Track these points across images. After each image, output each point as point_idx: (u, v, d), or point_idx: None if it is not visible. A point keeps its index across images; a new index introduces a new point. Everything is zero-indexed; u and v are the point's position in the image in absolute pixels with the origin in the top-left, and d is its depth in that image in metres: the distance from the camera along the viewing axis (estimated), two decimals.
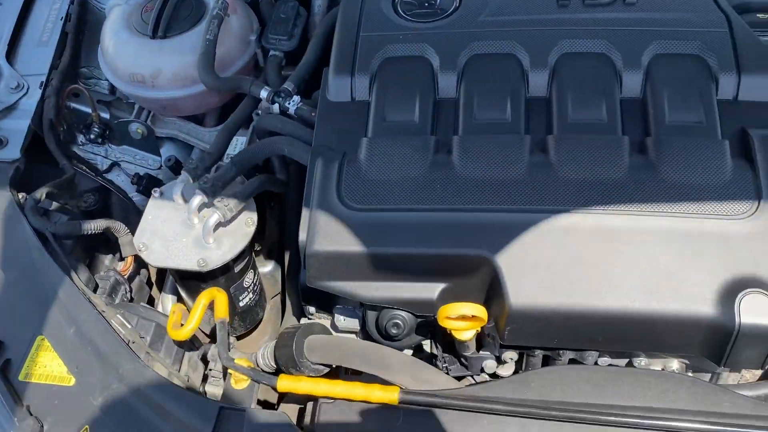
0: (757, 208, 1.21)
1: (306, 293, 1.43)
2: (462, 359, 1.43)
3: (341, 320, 1.47)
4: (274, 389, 1.13)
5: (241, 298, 1.62)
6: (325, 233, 1.29)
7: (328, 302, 1.47)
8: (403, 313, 1.34)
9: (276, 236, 1.83)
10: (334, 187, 1.33)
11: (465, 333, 1.28)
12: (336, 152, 1.38)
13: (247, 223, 1.48)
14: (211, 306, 1.31)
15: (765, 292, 1.15)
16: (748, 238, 1.19)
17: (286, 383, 1.12)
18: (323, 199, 1.32)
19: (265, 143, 1.54)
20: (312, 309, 1.50)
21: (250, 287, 1.63)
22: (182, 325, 1.22)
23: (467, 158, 1.32)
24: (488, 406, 1.08)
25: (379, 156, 1.35)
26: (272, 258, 1.84)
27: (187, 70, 1.66)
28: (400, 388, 1.09)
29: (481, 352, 1.40)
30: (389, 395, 1.08)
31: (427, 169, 1.32)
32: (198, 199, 1.45)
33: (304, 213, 1.33)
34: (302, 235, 1.31)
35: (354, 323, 1.47)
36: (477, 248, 1.25)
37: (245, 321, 1.69)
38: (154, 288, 1.80)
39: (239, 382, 1.16)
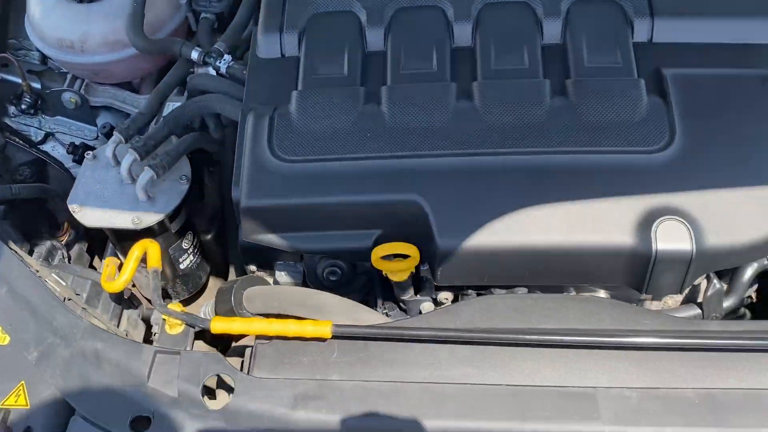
0: (671, 141, 1.27)
1: (246, 252, 1.45)
2: (401, 304, 1.47)
3: (283, 276, 1.49)
4: (209, 331, 1.15)
5: (181, 260, 1.62)
6: (258, 187, 1.31)
7: (269, 260, 1.48)
8: (341, 261, 1.37)
9: (217, 201, 1.83)
10: (266, 140, 1.34)
11: (399, 274, 1.32)
12: (267, 107, 1.39)
13: (180, 181, 1.49)
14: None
15: (679, 219, 1.21)
16: (663, 170, 1.25)
17: (219, 324, 1.14)
18: (255, 153, 1.34)
19: (195, 101, 1.54)
20: (253, 268, 1.51)
21: (190, 249, 1.64)
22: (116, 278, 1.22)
23: (395, 107, 1.35)
24: (418, 334, 1.12)
25: (310, 108, 1.37)
26: (215, 224, 1.84)
27: (117, 34, 1.64)
28: (333, 322, 1.12)
29: (418, 295, 1.44)
30: (322, 329, 1.11)
31: (356, 119, 1.34)
32: (130, 158, 1.45)
33: (236, 166, 1.34)
34: (236, 191, 1.32)
35: (296, 279, 1.49)
36: (407, 193, 1.28)
37: (188, 285, 1.69)
38: (96, 259, 1.79)
39: (173, 327, 1.17)
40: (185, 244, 1.61)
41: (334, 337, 1.13)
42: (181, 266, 1.63)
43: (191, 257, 1.65)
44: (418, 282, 1.42)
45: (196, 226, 1.69)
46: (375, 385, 1.08)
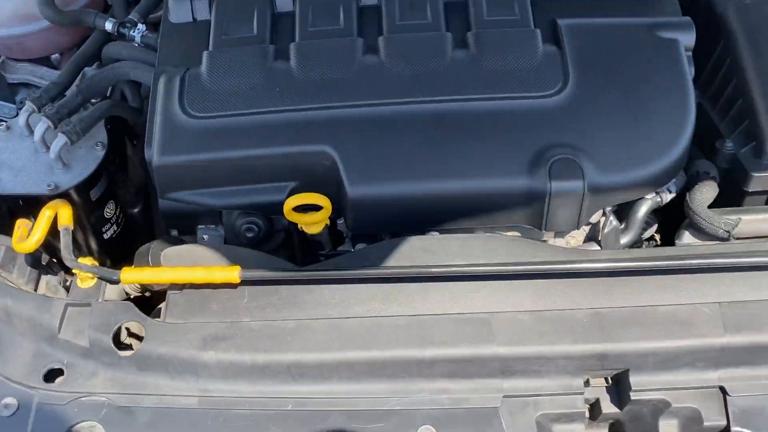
0: (565, 86, 1.34)
1: (167, 217, 1.46)
2: (320, 259, 1.50)
3: (204, 239, 1.51)
4: (118, 282, 1.17)
5: (104, 230, 1.63)
6: (170, 144, 1.33)
7: (190, 224, 1.50)
8: (257, 217, 1.40)
9: (142, 174, 1.84)
10: (177, 99, 1.37)
11: (313, 226, 1.36)
12: (179, 69, 1.42)
13: (96, 147, 1.50)
14: None
15: (571, 157, 1.27)
16: (557, 113, 1.31)
17: (129, 275, 1.16)
18: (166, 112, 1.36)
19: (109, 68, 1.55)
20: (176, 233, 1.53)
21: (113, 219, 1.64)
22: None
23: (304, 62, 1.38)
24: (326, 275, 1.16)
25: (220, 67, 1.40)
26: (140, 197, 1.85)
27: (27, 6, 1.64)
28: (241, 268, 1.15)
29: (338, 249, 1.48)
30: (230, 275, 1.14)
31: (266, 76, 1.38)
32: (44, 126, 1.45)
33: (149, 127, 1.36)
34: (149, 151, 1.34)
35: (218, 241, 1.51)
36: (317, 144, 1.32)
37: (113, 256, 1.70)
38: None
39: (85, 281, 1.18)
40: (107, 213, 1.62)
41: (243, 283, 1.16)
42: (105, 236, 1.64)
43: (115, 227, 1.66)
44: (337, 239, 1.47)
45: (120, 197, 1.69)
46: (283, 324, 1.12)
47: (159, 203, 1.44)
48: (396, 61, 1.38)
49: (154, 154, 1.33)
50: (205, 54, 1.41)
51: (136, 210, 1.84)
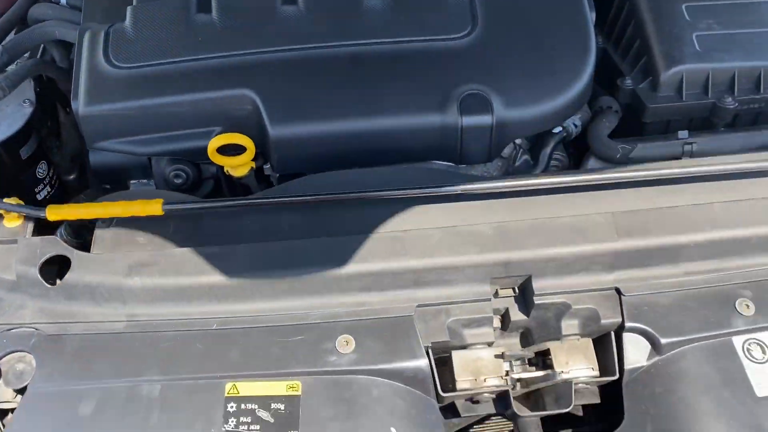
0: (473, 28, 1.42)
1: (99, 174, 1.50)
2: None
3: None
4: (46, 220, 1.20)
5: (37, 190, 1.65)
6: (94, 94, 1.37)
7: (121, 180, 1.53)
8: (185, 164, 1.45)
9: (77, 143, 1.86)
10: (101, 51, 1.41)
11: (239, 169, 1.41)
12: (103, 26, 1.46)
13: (23, 104, 1.52)
14: None
15: (479, 92, 1.35)
16: (466, 52, 1.40)
17: (53, 211, 1.19)
18: (91, 64, 1.40)
19: (35, 28, 1.58)
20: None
21: (46, 180, 1.66)
22: None
23: (225, 13, 1.44)
24: (249, 203, 1.21)
25: (144, 20, 1.44)
26: (76, 164, 1.87)
27: None
28: (164, 199, 1.20)
29: None
30: (153, 207, 1.18)
31: (188, 26, 1.43)
32: None
33: (75, 81, 1.39)
34: (75, 103, 1.37)
35: None
36: (239, 88, 1.37)
37: None
38: None
39: (11, 221, 1.21)
40: (40, 174, 1.64)
41: (168, 216, 1.21)
42: (39, 197, 1.66)
43: (48, 188, 1.68)
44: (266, 186, 1.52)
45: (54, 162, 1.72)
46: (207, 249, 1.17)
47: (89, 158, 1.48)
48: (314, 10, 1.44)
49: (80, 104, 1.37)
50: (129, 9, 1.45)
51: (71, 177, 1.86)
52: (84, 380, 1.07)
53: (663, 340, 1.10)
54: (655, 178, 1.21)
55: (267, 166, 1.47)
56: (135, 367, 1.08)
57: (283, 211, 1.24)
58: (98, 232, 1.21)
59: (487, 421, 1.30)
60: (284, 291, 1.14)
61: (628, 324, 1.12)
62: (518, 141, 1.46)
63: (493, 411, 1.15)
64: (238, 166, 1.39)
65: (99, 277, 1.14)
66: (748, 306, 1.13)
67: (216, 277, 1.14)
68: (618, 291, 1.15)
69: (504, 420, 1.28)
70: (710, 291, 1.15)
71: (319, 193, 1.21)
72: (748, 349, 1.10)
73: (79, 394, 1.06)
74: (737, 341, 1.11)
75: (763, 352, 1.10)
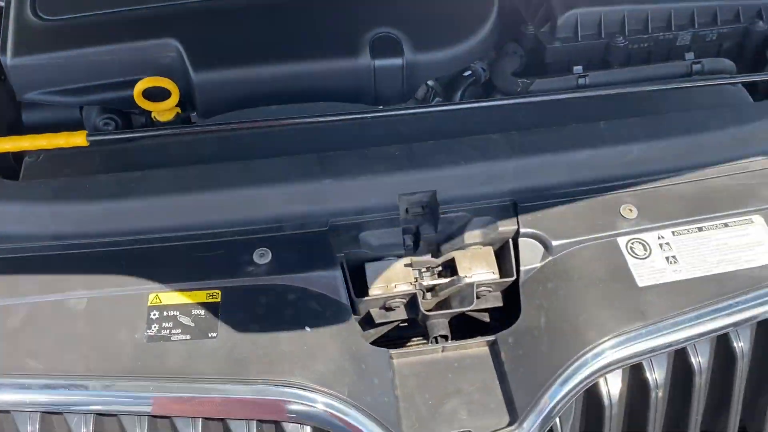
0: None
1: (32, 130, 1.54)
2: None
3: None
4: None
5: None
6: (22, 45, 1.43)
7: None
8: (114, 113, 1.51)
9: (12, 111, 1.90)
10: (28, 4, 1.47)
11: (164, 114, 1.48)
12: None
13: None
14: None
15: (390, 35, 1.46)
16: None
17: None
18: (18, 17, 1.46)
19: None
20: None
21: None
22: None
23: None
24: (173, 131, 1.29)
25: None
26: (12, 134, 1.91)
27: None
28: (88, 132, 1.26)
29: None
30: (78, 138, 1.25)
31: None
32: None
33: (2, 34, 1.45)
34: (2, 56, 1.43)
35: None
36: (162, 37, 1.45)
37: None
38: None
39: None
40: None
41: (92, 146, 1.27)
42: None
43: None
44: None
45: None
46: (129, 174, 1.23)
47: (23, 116, 1.53)
48: None
49: (7, 56, 1.43)
50: None
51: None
52: (11, 297, 1.12)
53: (554, 243, 1.21)
54: (548, 99, 1.33)
55: (194, 114, 1.54)
56: (61, 285, 1.14)
57: (207, 141, 1.32)
58: (26, 163, 1.27)
59: (408, 344, 1.38)
60: (203, 209, 1.21)
61: (522, 230, 1.22)
62: (431, 83, 1.57)
63: (405, 316, 1.23)
64: (164, 111, 1.46)
65: (25, 201, 1.19)
66: (631, 210, 1.24)
67: (138, 198, 1.20)
68: (514, 202, 1.25)
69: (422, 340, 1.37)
70: (597, 199, 1.26)
71: (238, 121, 1.29)
72: (631, 248, 1.21)
73: (6, 310, 1.11)
74: (621, 241, 1.22)
75: (645, 249, 1.21)
